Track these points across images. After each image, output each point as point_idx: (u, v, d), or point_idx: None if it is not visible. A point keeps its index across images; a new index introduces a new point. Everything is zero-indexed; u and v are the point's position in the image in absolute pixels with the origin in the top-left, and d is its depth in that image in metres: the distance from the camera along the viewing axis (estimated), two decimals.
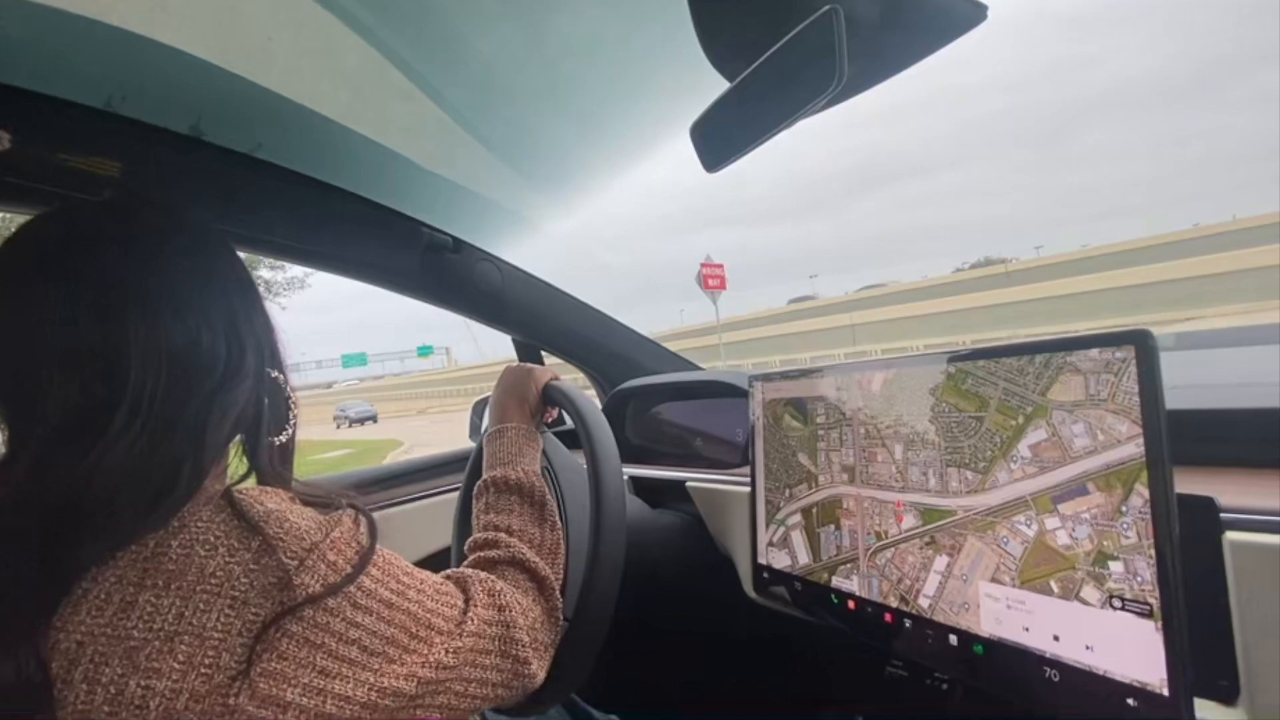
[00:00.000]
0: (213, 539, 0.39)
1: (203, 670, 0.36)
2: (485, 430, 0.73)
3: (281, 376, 0.52)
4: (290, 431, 0.53)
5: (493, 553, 0.60)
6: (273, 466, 0.50)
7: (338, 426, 29.54)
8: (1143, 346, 0.47)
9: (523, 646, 0.53)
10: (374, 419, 30.34)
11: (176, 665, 0.36)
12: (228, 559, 0.39)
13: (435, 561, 1.01)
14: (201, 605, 0.37)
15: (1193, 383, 0.68)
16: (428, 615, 0.47)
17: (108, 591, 0.37)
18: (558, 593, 0.60)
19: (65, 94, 0.72)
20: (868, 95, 0.58)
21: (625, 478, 1.00)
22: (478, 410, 1.42)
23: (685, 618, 1.24)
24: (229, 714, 0.37)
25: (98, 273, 0.43)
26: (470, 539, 0.63)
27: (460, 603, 0.51)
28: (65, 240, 0.45)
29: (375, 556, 0.46)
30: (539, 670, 0.55)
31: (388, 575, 0.46)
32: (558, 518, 0.66)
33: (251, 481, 0.48)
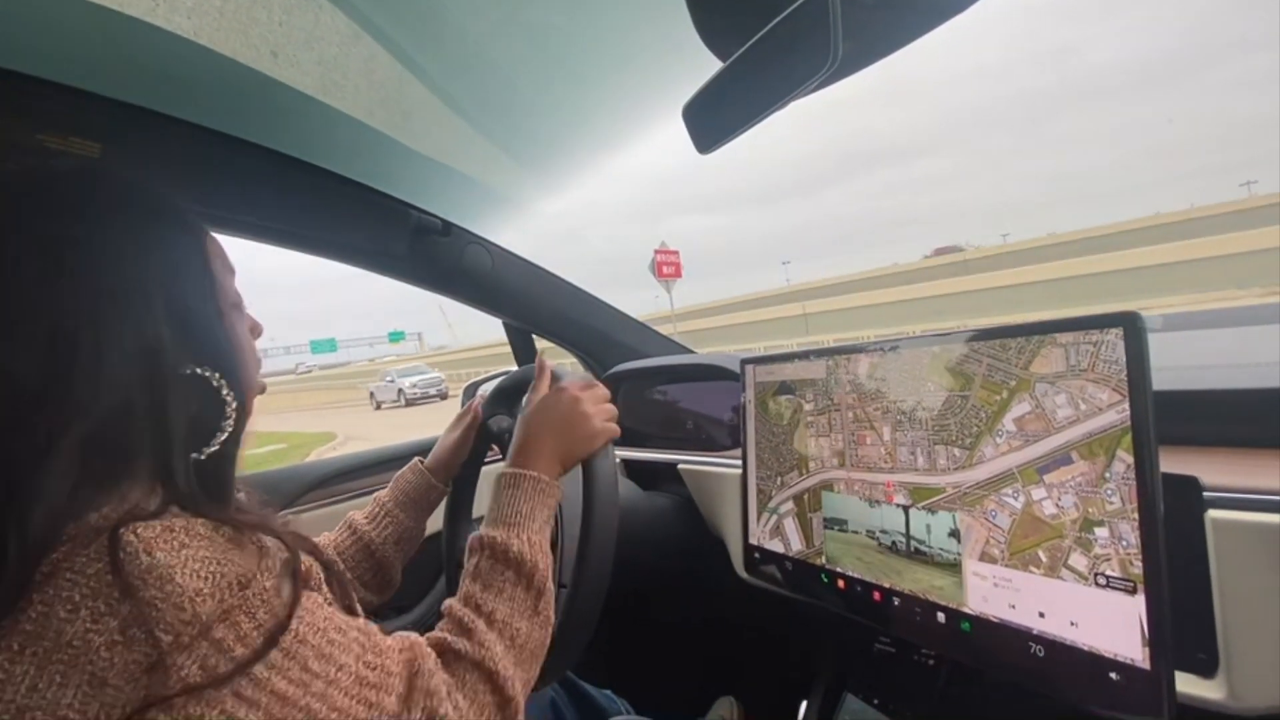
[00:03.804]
0: (77, 597, 0.33)
1: None
2: (490, 416, 0.68)
3: (213, 374, 0.44)
4: (221, 439, 0.44)
5: (460, 643, 0.50)
6: (196, 487, 0.41)
7: (376, 407, 21.81)
8: (1131, 329, 0.48)
9: None
10: (442, 395, 20.81)
11: None
12: (89, 625, 0.32)
13: (421, 550, 1.01)
14: (58, 678, 0.32)
15: (1176, 364, 0.69)
16: (333, 716, 0.39)
17: None
18: (520, 713, 0.51)
19: (43, 72, 0.70)
20: (851, 80, 0.58)
21: (618, 460, 1.01)
22: (469, 393, 1.42)
23: (678, 596, 1.25)
24: None
25: None
26: (447, 603, 0.55)
27: (390, 703, 0.42)
28: None
29: (288, 627, 0.38)
30: None
31: (291, 660, 0.38)
32: (553, 610, 0.57)
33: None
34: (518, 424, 0.68)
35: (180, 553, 0.35)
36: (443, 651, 0.49)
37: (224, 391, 0.45)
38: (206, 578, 0.35)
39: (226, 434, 0.45)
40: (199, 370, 0.44)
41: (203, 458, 0.43)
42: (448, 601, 0.55)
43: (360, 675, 0.41)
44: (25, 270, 0.39)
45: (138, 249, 0.43)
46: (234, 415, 0.45)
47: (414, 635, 0.49)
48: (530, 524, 0.58)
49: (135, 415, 0.40)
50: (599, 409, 0.69)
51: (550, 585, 0.57)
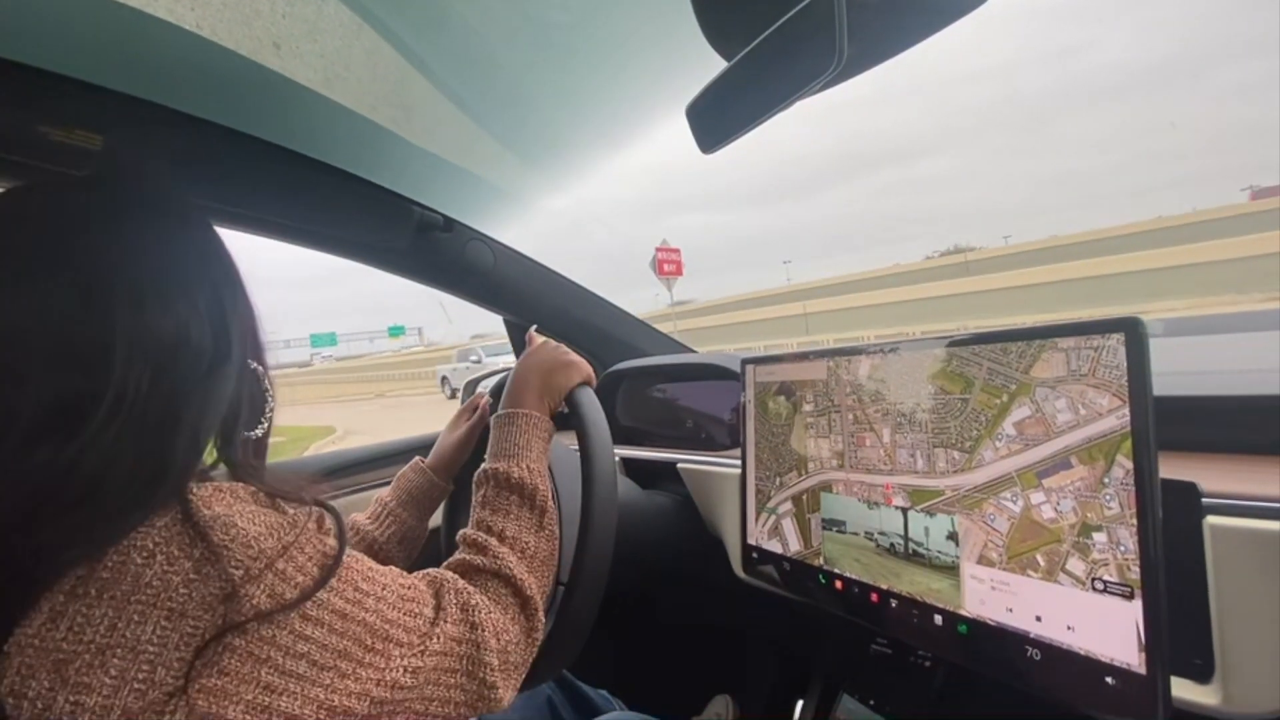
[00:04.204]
0: (151, 545, 0.36)
1: (136, 686, 0.34)
2: (495, 412, 0.71)
3: (260, 368, 0.50)
4: (266, 425, 0.51)
5: (478, 559, 0.57)
6: (245, 460, 0.47)
7: (451, 395, 20.17)
8: (1132, 334, 0.48)
9: (491, 670, 0.50)
10: None
11: (108, 680, 0.34)
12: (166, 567, 0.36)
13: (426, 550, 1.01)
14: (136, 617, 0.35)
15: (1176, 369, 0.69)
16: (385, 626, 0.45)
17: (36, 601, 0.34)
18: (541, 612, 0.57)
19: (46, 64, 0.70)
20: (855, 79, 0.58)
21: (616, 459, 1.01)
22: (469, 390, 1.42)
23: (675, 595, 1.25)
24: None
25: (81, 259, 0.40)
26: (461, 532, 0.61)
27: (428, 612, 0.49)
28: (44, 222, 0.42)
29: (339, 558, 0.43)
30: (505, 694, 0.52)
31: (344, 583, 0.43)
32: (557, 525, 0.64)
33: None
34: (509, 377, 0.74)
35: (234, 506, 0.40)
36: (463, 570, 0.56)
37: (265, 381, 0.50)
38: (261, 524, 0.40)
39: (269, 420, 0.51)
40: (250, 363, 0.49)
41: (253, 437, 0.49)
42: (462, 531, 0.61)
43: (400, 593, 0.48)
44: (184, 270, 0.45)
45: (225, 258, 0.50)
46: (273, 403, 0.51)
47: (431, 569, 0.55)
48: (528, 453, 0.65)
49: (236, 394, 0.47)
50: (576, 354, 0.76)
51: (551, 505, 0.63)
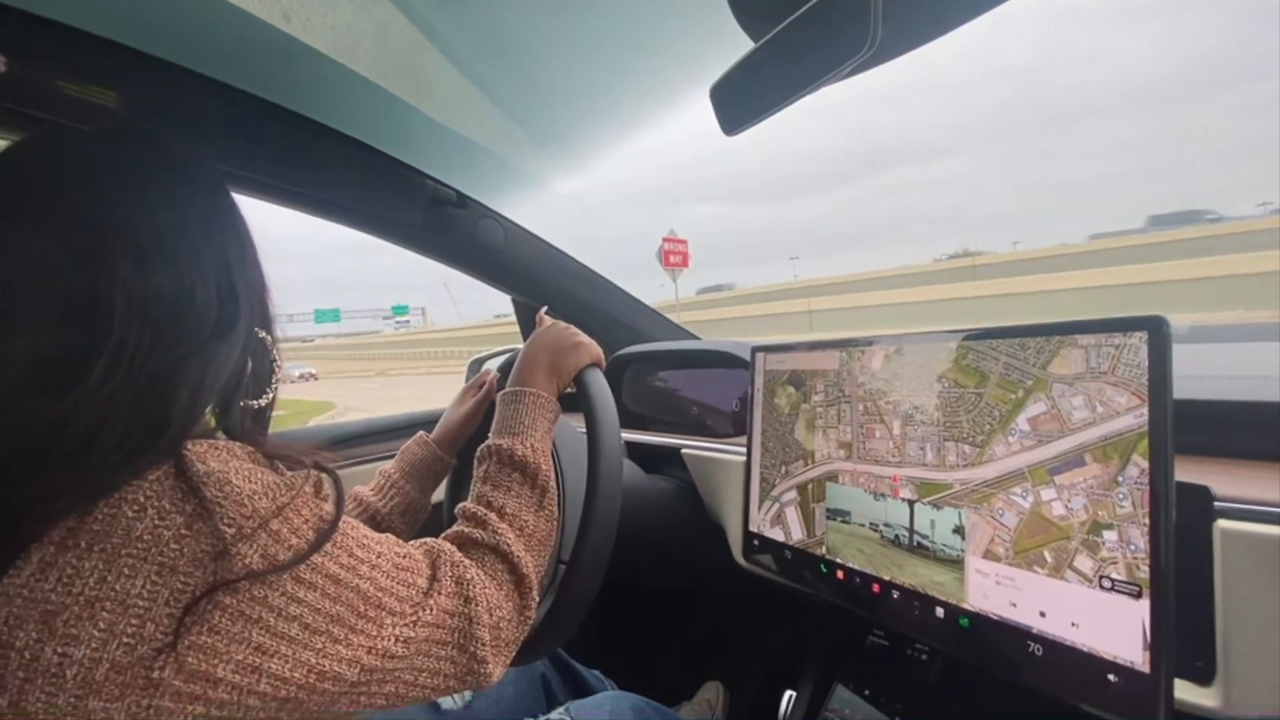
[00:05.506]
0: (143, 499, 0.36)
1: (125, 640, 0.34)
2: (502, 390, 0.70)
3: (269, 337, 0.49)
4: (271, 395, 0.50)
5: (477, 533, 0.56)
6: (244, 428, 0.47)
7: None
8: (1155, 333, 0.48)
9: (482, 645, 0.50)
10: None
11: (96, 633, 0.33)
12: (157, 522, 0.36)
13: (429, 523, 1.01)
14: (126, 570, 0.34)
15: (1192, 374, 0.68)
16: (379, 594, 0.44)
17: (26, 551, 0.34)
18: (535, 591, 0.57)
19: (65, 18, 0.69)
20: (877, 76, 0.57)
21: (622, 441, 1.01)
22: (474, 369, 1.42)
23: (674, 580, 1.26)
24: (152, 688, 0.34)
25: (87, 212, 0.40)
26: (460, 505, 0.60)
27: (423, 582, 0.48)
28: (53, 173, 0.41)
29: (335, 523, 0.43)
30: (495, 670, 0.52)
31: (339, 548, 0.43)
32: (557, 505, 0.63)
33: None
34: (519, 355, 0.74)
35: (230, 463, 0.40)
36: (461, 543, 0.56)
37: (273, 352, 0.50)
38: (257, 482, 0.40)
39: (274, 390, 0.50)
40: (258, 332, 0.48)
41: (256, 406, 0.48)
42: (461, 505, 0.60)
43: (395, 561, 0.47)
44: (193, 230, 0.44)
45: (239, 223, 0.49)
46: (279, 374, 0.51)
47: (429, 538, 0.54)
48: (532, 433, 0.64)
49: (240, 362, 0.46)
50: (585, 335, 0.76)
51: (553, 485, 0.63)
